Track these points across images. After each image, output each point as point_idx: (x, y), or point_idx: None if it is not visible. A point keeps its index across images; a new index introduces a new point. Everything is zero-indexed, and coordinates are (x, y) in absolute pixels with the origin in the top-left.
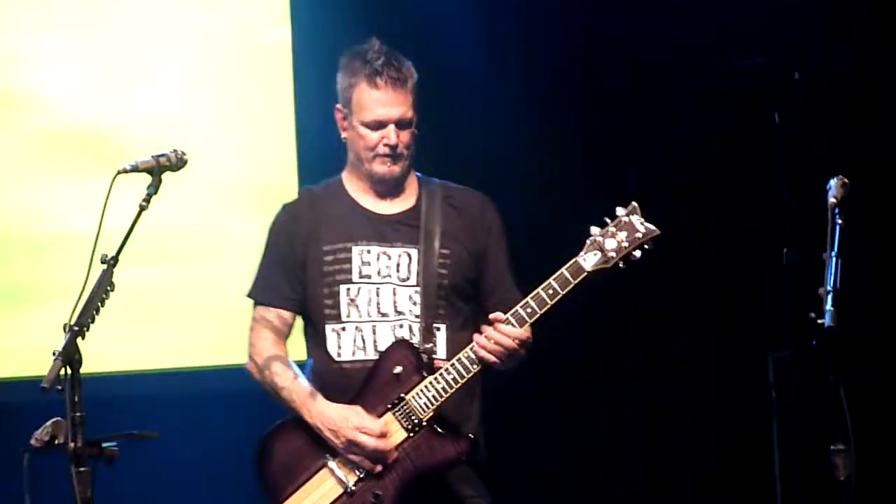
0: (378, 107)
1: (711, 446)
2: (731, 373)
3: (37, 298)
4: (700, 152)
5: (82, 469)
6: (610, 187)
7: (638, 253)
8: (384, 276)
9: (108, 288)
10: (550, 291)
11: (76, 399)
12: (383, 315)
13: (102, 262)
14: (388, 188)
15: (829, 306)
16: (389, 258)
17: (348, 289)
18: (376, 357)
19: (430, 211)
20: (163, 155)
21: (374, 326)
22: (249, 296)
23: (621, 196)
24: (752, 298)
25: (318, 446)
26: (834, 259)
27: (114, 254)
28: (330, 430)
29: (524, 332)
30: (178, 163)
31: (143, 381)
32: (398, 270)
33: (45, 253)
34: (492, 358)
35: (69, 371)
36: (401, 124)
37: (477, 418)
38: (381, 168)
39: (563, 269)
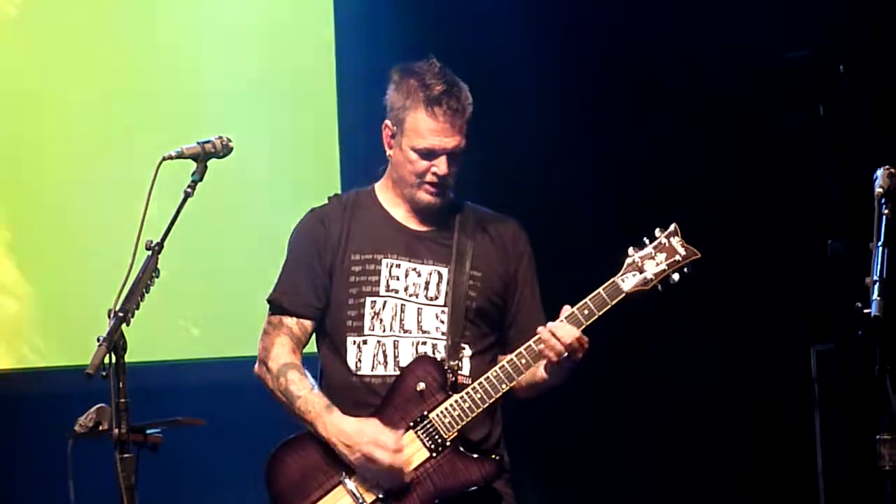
0: (433, 136)
1: (755, 440)
2: (774, 366)
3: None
4: (745, 144)
5: (126, 455)
6: (655, 183)
7: (676, 276)
8: (411, 294)
9: (153, 274)
10: (586, 312)
11: (121, 385)
12: (406, 331)
13: (147, 249)
14: (429, 213)
15: (875, 296)
16: (419, 275)
17: (374, 301)
18: (397, 372)
19: (463, 231)
20: (208, 141)
21: (395, 341)
22: (271, 300)
23: (666, 195)
24: (796, 291)
25: (333, 462)
26: (880, 249)
27: (159, 240)
28: (345, 444)
29: (582, 336)
30: (223, 149)
31: (186, 370)
32: (426, 289)
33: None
34: (552, 354)
35: (114, 357)
36: (452, 155)
37: (499, 439)
38: (425, 197)
39: (601, 290)
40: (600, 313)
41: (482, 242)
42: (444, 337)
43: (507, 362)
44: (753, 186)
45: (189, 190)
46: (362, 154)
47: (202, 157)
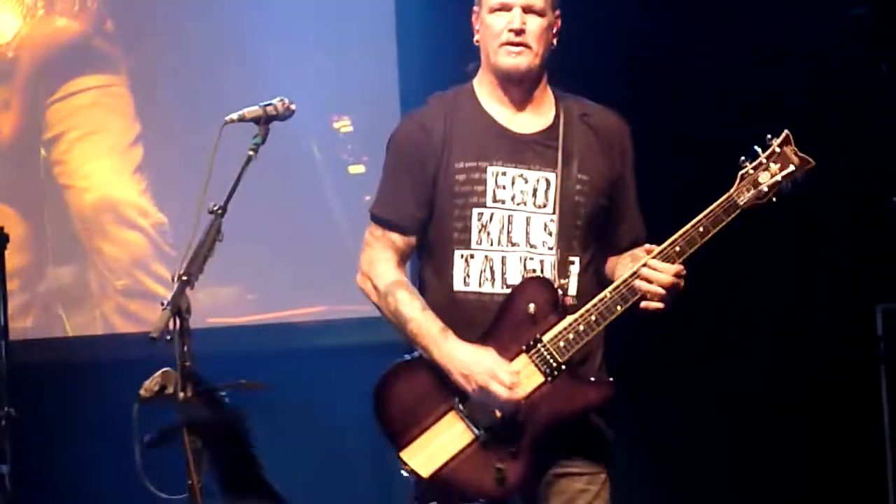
0: None
1: (821, 398)
2: (839, 325)
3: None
4: (812, 97)
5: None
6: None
7: (789, 185)
8: (518, 203)
9: (217, 238)
10: (701, 229)
11: (185, 349)
12: (514, 245)
13: (210, 212)
14: (520, 92)
15: None
16: (526, 181)
17: (480, 213)
18: (503, 290)
19: (568, 131)
20: (269, 104)
21: (503, 257)
22: (373, 212)
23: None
24: (860, 249)
25: (446, 388)
26: None
27: (222, 203)
28: (461, 373)
29: (678, 267)
30: (285, 112)
31: (248, 333)
32: (535, 196)
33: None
34: (652, 296)
35: (178, 321)
36: (528, 10)
37: (601, 361)
38: (506, 60)
39: (715, 206)
40: (716, 230)
41: (588, 141)
42: (552, 252)
43: (618, 287)
44: (819, 144)
45: (251, 153)
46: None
47: (264, 119)
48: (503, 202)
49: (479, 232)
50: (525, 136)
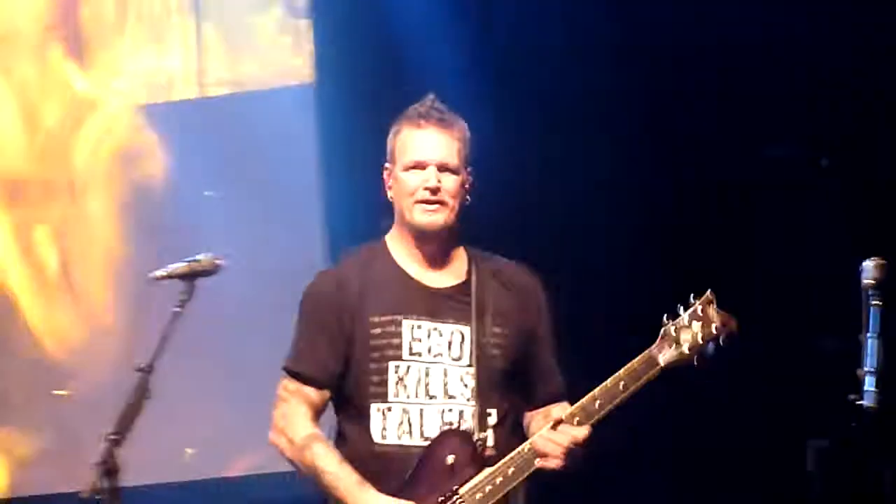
0: (419, 145)
1: None
2: (770, 462)
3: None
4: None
5: None
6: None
7: (711, 347)
8: (435, 355)
9: (145, 396)
10: (622, 385)
11: None
12: (431, 397)
13: (137, 371)
14: (434, 249)
15: (868, 387)
16: (441, 335)
17: (397, 366)
18: (423, 443)
19: (481, 286)
20: (196, 260)
21: (421, 409)
22: (287, 367)
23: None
24: (791, 385)
25: None
26: (871, 340)
27: (149, 361)
28: None
29: (586, 431)
30: (212, 268)
31: (181, 491)
32: (450, 349)
33: None
34: (553, 463)
35: (108, 480)
36: (444, 169)
37: None
38: (421, 217)
39: (635, 362)
40: (633, 388)
41: (500, 296)
42: (470, 403)
43: (536, 438)
44: (742, 273)
45: (178, 309)
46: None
47: (190, 275)
48: (419, 355)
49: (396, 385)
50: (439, 291)
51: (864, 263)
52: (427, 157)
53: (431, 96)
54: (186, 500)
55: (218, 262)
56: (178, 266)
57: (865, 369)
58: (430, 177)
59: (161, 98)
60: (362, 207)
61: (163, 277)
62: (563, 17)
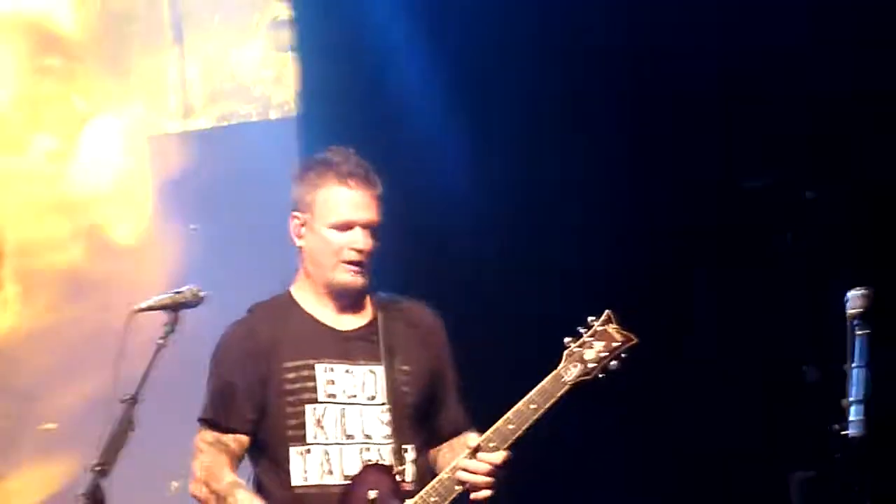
0: (348, 207)
1: None
2: (753, 494)
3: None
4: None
5: None
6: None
7: (615, 362)
8: (350, 396)
9: (129, 427)
10: (533, 406)
11: None
12: (349, 437)
13: (122, 402)
14: (349, 301)
15: (853, 416)
16: (353, 376)
17: (314, 408)
18: (343, 482)
19: (387, 326)
20: (179, 292)
21: (341, 449)
22: (204, 418)
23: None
24: (773, 416)
25: None
26: (856, 370)
27: (133, 392)
28: None
29: (504, 455)
30: (194, 300)
31: None
32: (364, 389)
33: None
34: (480, 492)
35: None
36: (369, 228)
37: None
38: (344, 277)
39: (544, 383)
40: (547, 406)
41: (406, 335)
42: (388, 440)
43: (454, 468)
44: (728, 311)
45: (161, 341)
46: None
47: (173, 307)
48: (334, 396)
49: (315, 426)
50: (349, 333)
51: (848, 293)
52: (356, 217)
53: (351, 150)
54: None
55: (201, 294)
56: (162, 298)
57: (850, 399)
58: (359, 239)
59: (148, 132)
60: None
61: (146, 309)
62: (541, 23)
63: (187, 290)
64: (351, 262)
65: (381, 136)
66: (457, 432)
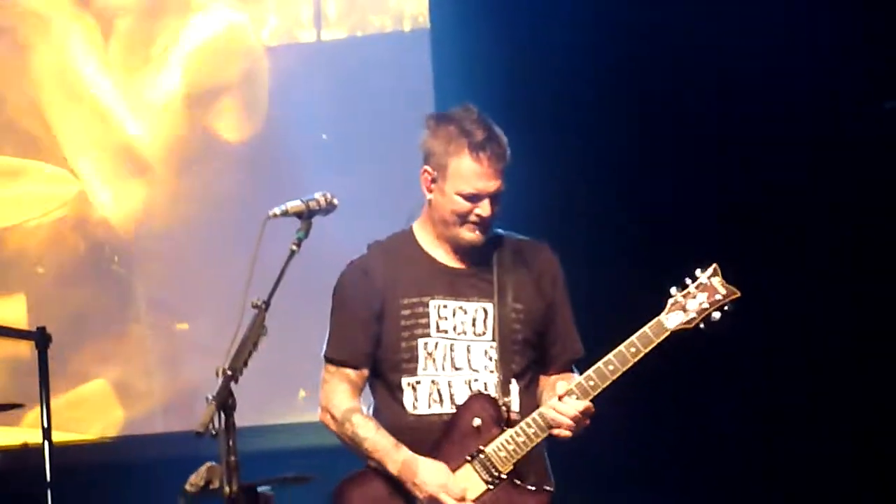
0: (478, 181)
1: (850, 466)
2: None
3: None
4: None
5: None
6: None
7: (718, 314)
8: (459, 332)
9: (261, 332)
10: (633, 350)
11: (230, 443)
12: (457, 369)
13: (254, 307)
14: (468, 249)
15: None
16: (465, 313)
17: (426, 343)
18: (452, 410)
19: (502, 265)
20: (312, 199)
21: (449, 381)
22: (326, 355)
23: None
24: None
25: (398, 495)
26: None
27: (265, 298)
28: (414, 483)
29: (586, 405)
30: (327, 206)
31: (294, 432)
32: (474, 325)
33: None
34: (562, 432)
35: (223, 416)
36: (494, 197)
37: (548, 467)
38: (468, 235)
39: (646, 328)
40: (646, 351)
41: (521, 273)
42: (494, 374)
43: (546, 410)
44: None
45: (294, 247)
46: None
47: (306, 214)
48: (446, 332)
49: (426, 359)
50: (462, 271)
51: None
52: (485, 190)
53: (474, 111)
54: (298, 442)
55: (333, 200)
56: (294, 204)
57: None
58: (485, 207)
59: (281, 41)
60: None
61: (279, 215)
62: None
63: (320, 196)
64: (475, 224)
65: (512, 52)
66: (573, 361)
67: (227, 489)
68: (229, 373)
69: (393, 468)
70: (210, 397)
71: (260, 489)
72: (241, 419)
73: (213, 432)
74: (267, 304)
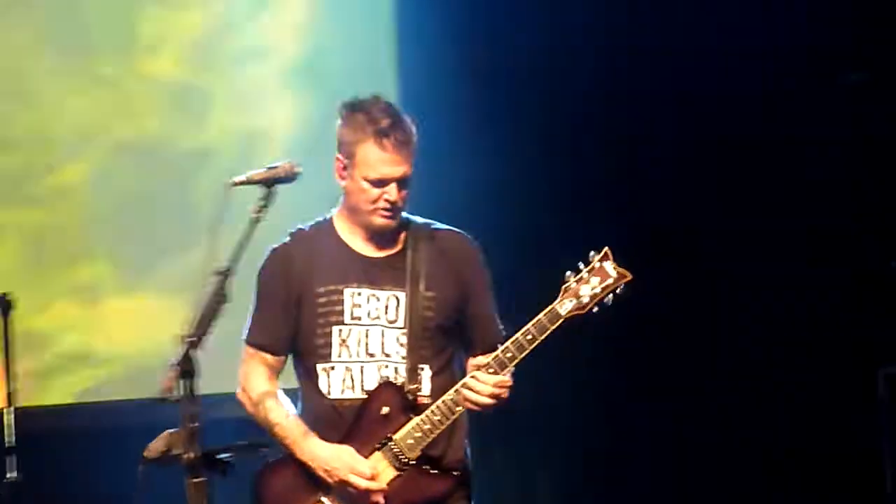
0: (383, 166)
1: (821, 465)
2: (841, 390)
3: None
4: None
5: (198, 479)
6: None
7: (610, 297)
8: (373, 318)
9: (222, 299)
10: (529, 337)
11: (192, 410)
12: (371, 355)
13: (216, 274)
14: (383, 237)
15: None
16: (378, 300)
17: (340, 329)
18: (364, 396)
19: (416, 253)
20: (275, 166)
21: (362, 367)
22: (246, 340)
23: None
24: (860, 312)
25: (313, 482)
26: None
27: (227, 265)
28: (323, 469)
29: (504, 378)
30: (290, 174)
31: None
32: (387, 313)
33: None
34: (475, 406)
35: (185, 382)
36: (402, 181)
37: (463, 449)
38: (380, 221)
39: (541, 315)
40: (542, 337)
41: (434, 261)
42: (404, 360)
43: (457, 389)
44: (814, 211)
45: (257, 215)
46: None
47: (270, 181)
48: (359, 319)
49: (340, 346)
50: (377, 259)
51: None
52: (390, 175)
53: (382, 100)
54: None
55: (296, 169)
56: (258, 172)
57: None
58: (392, 192)
59: None
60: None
61: (242, 183)
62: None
63: (283, 165)
64: (385, 209)
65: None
66: (493, 348)
67: (186, 455)
68: (191, 339)
69: (301, 455)
70: (172, 363)
71: (219, 456)
72: (205, 387)
73: (175, 399)
74: (229, 271)
